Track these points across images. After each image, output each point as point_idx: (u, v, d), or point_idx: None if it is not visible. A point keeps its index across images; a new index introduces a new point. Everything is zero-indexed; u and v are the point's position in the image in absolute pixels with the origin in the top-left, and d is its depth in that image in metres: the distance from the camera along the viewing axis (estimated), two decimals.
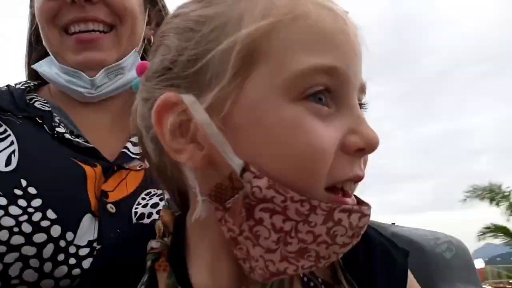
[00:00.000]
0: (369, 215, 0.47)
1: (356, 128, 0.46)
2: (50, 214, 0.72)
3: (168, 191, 0.59)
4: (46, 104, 0.89)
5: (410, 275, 0.64)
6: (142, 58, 0.97)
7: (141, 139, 0.55)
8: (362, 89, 0.50)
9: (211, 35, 0.47)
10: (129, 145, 0.90)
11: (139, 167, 0.89)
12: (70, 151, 0.83)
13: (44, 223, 0.71)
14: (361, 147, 0.46)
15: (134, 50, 0.94)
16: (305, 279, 0.52)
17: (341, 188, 0.47)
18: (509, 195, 13.43)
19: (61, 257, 0.71)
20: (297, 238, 0.45)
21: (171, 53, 0.49)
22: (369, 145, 0.46)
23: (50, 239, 0.71)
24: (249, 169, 0.44)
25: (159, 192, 0.84)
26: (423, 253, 0.88)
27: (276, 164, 0.44)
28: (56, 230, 0.72)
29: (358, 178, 0.48)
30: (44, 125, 0.84)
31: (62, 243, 0.72)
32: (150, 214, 0.81)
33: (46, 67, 0.93)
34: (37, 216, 0.71)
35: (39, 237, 0.70)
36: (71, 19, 0.88)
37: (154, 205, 0.82)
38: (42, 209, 0.72)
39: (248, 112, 0.45)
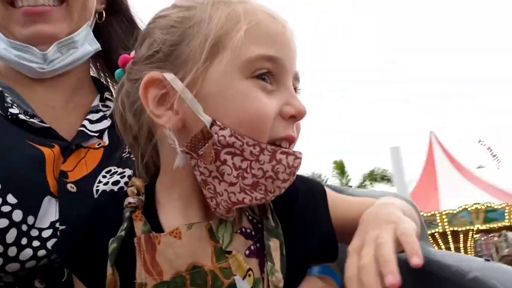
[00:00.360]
0: (301, 158, 0.64)
1: (290, 101, 0.66)
2: (11, 199, 0.73)
3: (140, 163, 0.73)
4: None
5: (330, 193, 0.78)
6: (94, 32, 0.96)
7: (121, 114, 0.71)
8: (296, 78, 0.70)
9: (189, 31, 0.65)
10: (86, 123, 0.91)
11: (98, 145, 0.89)
12: (26, 132, 0.82)
13: (5, 208, 0.72)
14: (293, 114, 0.65)
15: (86, 24, 0.92)
16: (250, 217, 0.69)
17: (279, 144, 0.65)
18: None
19: (24, 240, 0.73)
20: (251, 173, 0.62)
21: (155, 43, 0.67)
22: (299, 113, 0.66)
23: (12, 224, 0.72)
24: (216, 123, 0.62)
25: (120, 170, 0.86)
26: None
27: (234, 122, 0.62)
28: (17, 215, 0.73)
29: (291, 138, 0.66)
30: None
31: (24, 227, 0.73)
32: (112, 191, 0.82)
33: None
34: None
35: (1, 223, 0.71)
36: None
37: (115, 183, 0.84)
38: (1, 194, 0.73)
39: (214, 86, 0.63)
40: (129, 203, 0.67)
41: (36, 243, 0.74)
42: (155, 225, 0.66)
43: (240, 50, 0.63)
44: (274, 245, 0.66)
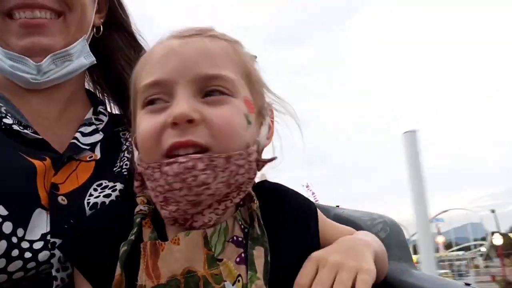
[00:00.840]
0: (184, 162, 0.65)
1: (171, 110, 0.68)
2: (2, 210, 0.73)
3: None
4: None
5: (321, 216, 0.84)
6: (91, 46, 0.97)
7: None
8: (207, 78, 0.70)
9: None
10: (78, 135, 0.91)
11: (89, 157, 0.90)
12: (18, 143, 0.82)
13: None
14: (171, 121, 0.67)
15: (82, 37, 0.93)
16: (242, 226, 0.74)
17: (176, 155, 0.67)
18: None
19: (15, 252, 0.72)
20: (158, 191, 0.68)
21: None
22: (174, 118, 0.66)
23: (2, 235, 0.72)
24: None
25: (111, 184, 0.87)
26: None
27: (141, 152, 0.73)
28: (7, 227, 0.72)
29: (178, 145, 0.67)
30: None
31: (14, 239, 0.73)
32: (103, 203, 0.83)
33: None
34: None
35: None
36: (16, 4, 0.85)
37: (107, 196, 0.84)
38: None
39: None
40: (140, 210, 0.73)
41: (28, 255, 0.74)
42: (161, 234, 0.72)
43: (138, 86, 0.74)
44: (258, 253, 0.71)
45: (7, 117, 0.84)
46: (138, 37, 1.05)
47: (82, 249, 0.73)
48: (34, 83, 0.88)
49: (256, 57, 0.82)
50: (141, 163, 0.71)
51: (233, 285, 0.68)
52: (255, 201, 0.76)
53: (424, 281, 0.81)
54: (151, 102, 0.71)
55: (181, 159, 0.65)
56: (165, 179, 0.66)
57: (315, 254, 0.72)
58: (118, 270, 0.67)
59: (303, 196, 0.83)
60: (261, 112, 0.78)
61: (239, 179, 0.70)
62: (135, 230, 0.70)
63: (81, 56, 0.93)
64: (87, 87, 1.07)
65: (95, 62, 0.96)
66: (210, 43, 0.73)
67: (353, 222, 0.97)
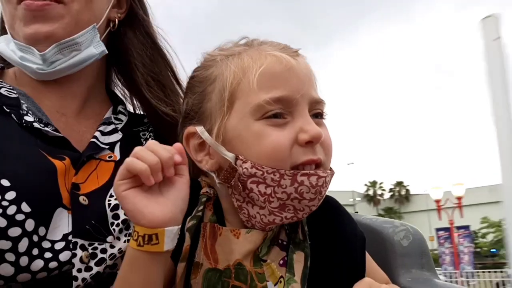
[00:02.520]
0: (324, 177, 0.71)
1: (305, 128, 0.72)
2: (25, 207, 0.71)
3: None
4: (12, 91, 0.86)
5: (368, 257, 0.84)
6: (109, 41, 0.95)
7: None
8: (316, 102, 0.75)
9: (208, 89, 0.77)
10: (97, 134, 0.89)
11: (109, 157, 0.88)
12: (40, 141, 0.81)
13: (19, 217, 0.70)
14: (308, 140, 0.71)
15: (92, 26, 0.89)
16: (287, 231, 0.76)
17: (302, 168, 0.71)
18: None
19: (35, 251, 0.71)
20: (276, 197, 0.70)
21: (188, 103, 0.81)
22: (313, 138, 0.71)
23: (25, 233, 0.70)
24: (239, 158, 0.72)
25: None
26: (382, 241, 0.94)
27: (254, 156, 0.71)
28: (29, 224, 0.71)
29: (312, 161, 0.71)
30: (12, 115, 0.81)
31: (35, 238, 0.72)
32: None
33: (4, 44, 0.89)
34: (11, 210, 0.70)
35: (15, 231, 0.70)
36: None
37: None
38: (16, 202, 0.71)
39: (234, 131, 0.73)
40: (206, 191, 0.77)
41: (48, 255, 0.73)
42: (220, 219, 0.76)
43: (250, 97, 0.73)
44: (298, 257, 0.74)
45: (28, 114, 0.83)
46: (156, 37, 1.03)
47: None
48: (41, 74, 0.86)
49: None
50: (256, 164, 0.71)
51: (275, 285, 0.71)
52: None
53: None
54: (274, 115, 0.72)
55: (321, 173, 0.71)
56: (297, 188, 0.69)
57: (368, 279, 0.72)
58: (187, 241, 0.71)
59: (356, 224, 0.84)
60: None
61: None
62: (200, 208, 0.74)
63: (91, 46, 0.90)
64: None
65: (106, 52, 0.92)
66: (308, 65, 0.78)
67: (374, 229, 0.96)
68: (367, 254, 0.83)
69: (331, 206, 0.82)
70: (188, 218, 0.72)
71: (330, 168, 0.75)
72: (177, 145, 0.66)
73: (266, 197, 0.71)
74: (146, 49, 0.99)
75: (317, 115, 0.76)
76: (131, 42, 0.99)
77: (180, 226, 0.64)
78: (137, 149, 0.64)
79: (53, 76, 0.88)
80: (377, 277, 0.83)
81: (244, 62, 0.75)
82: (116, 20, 0.97)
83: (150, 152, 0.63)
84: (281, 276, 0.72)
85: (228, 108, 0.74)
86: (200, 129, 0.76)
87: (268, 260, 0.72)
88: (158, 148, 0.64)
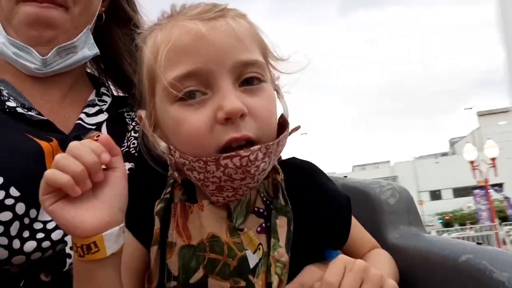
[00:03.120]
0: (246, 156, 0.64)
1: (221, 104, 0.65)
2: (13, 191, 0.74)
3: None
4: None
5: (354, 220, 0.84)
6: (93, 33, 0.97)
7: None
8: (244, 65, 0.67)
9: (140, 70, 0.75)
10: (83, 116, 0.92)
11: (97, 136, 0.90)
12: (24, 125, 0.82)
13: (9, 201, 0.73)
14: (224, 117, 0.64)
15: (86, 28, 0.93)
16: (264, 198, 0.75)
17: (234, 147, 0.66)
18: None
19: (26, 233, 0.74)
20: (210, 182, 0.68)
21: (136, 86, 0.78)
22: (229, 114, 0.64)
23: (16, 216, 0.73)
24: (170, 148, 0.70)
25: None
26: (370, 201, 0.95)
27: (179, 143, 0.69)
28: (20, 208, 0.74)
29: (236, 139, 0.65)
30: None
31: (26, 220, 0.74)
32: None
33: None
34: (0, 195, 0.73)
35: (5, 216, 0.72)
36: None
37: None
38: (4, 187, 0.73)
39: (160, 115, 0.72)
40: (172, 173, 0.75)
41: (40, 235, 0.75)
42: (191, 197, 0.75)
43: (163, 77, 0.67)
44: (281, 222, 0.73)
45: (10, 100, 0.85)
46: (141, 23, 1.04)
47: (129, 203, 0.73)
48: (37, 72, 0.90)
49: None
50: (182, 155, 0.68)
51: (253, 253, 0.70)
52: (280, 173, 0.78)
53: (434, 243, 0.81)
54: (188, 95, 0.66)
55: (242, 152, 0.65)
56: (224, 171, 0.65)
57: (342, 257, 0.67)
58: (157, 224, 0.70)
59: (335, 185, 0.83)
60: (276, 86, 0.77)
61: (279, 156, 0.73)
62: (168, 189, 0.74)
63: (85, 47, 0.94)
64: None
65: (99, 53, 0.96)
66: (236, 25, 0.68)
67: (361, 191, 0.98)
68: (353, 218, 0.83)
69: (309, 170, 0.82)
70: (157, 202, 0.72)
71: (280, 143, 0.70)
72: (104, 138, 0.62)
73: (202, 182, 0.69)
74: (131, 37, 1.01)
75: (250, 81, 0.68)
76: (115, 33, 1.02)
77: (123, 224, 0.62)
78: (58, 157, 0.59)
79: (47, 74, 0.91)
80: (363, 240, 0.85)
81: (157, 38, 0.70)
82: (103, 14, 1.00)
83: (73, 159, 0.58)
84: (260, 243, 0.71)
85: (151, 92, 0.72)
86: (143, 113, 0.74)
87: (245, 229, 0.71)
88: (82, 152, 0.59)
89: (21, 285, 0.75)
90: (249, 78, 0.68)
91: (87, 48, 0.95)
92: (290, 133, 0.74)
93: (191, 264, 0.69)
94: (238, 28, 0.68)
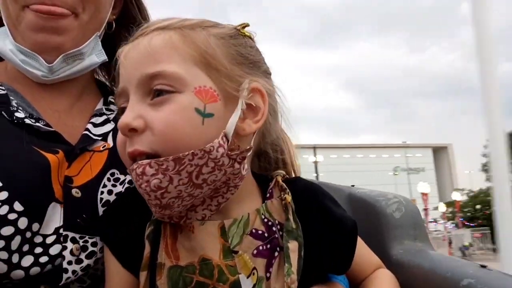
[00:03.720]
0: (135, 169, 0.65)
1: None
2: (17, 206, 0.74)
3: None
4: (1, 87, 0.88)
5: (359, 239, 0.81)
6: (103, 42, 0.97)
7: None
8: (150, 78, 0.67)
9: None
10: (90, 126, 0.92)
11: (103, 147, 0.90)
12: (32, 137, 0.82)
13: (11, 216, 0.73)
14: (121, 133, 0.68)
15: (95, 35, 0.92)
16: (265, 219, 0.73)
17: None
18: None
19: (26, 247, 0.74)
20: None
21: None
22: (120, 130, 0.68)
23: (17, 231, 0.73)
24: None
25: (122, 177, 0.88)
26: (376, 214, 0.94)
27: None
28: (23, 222, 0.74)
29: (130, 154, 0.67)
30: (2, 112, 0.83)
31: (28, 234, 0.75)
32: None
33: (0, 41, 0.89)
34: (4, 210, 0.73)
35: (7, 230, 0.73)
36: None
37: (119, 194, 0.85)
38: (8, 202, 0.74)
39: None
40: None
41: (38, 250, 0.76)
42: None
43: None
44: (293, 247, 0.70)
45: (19, 110, 0.85)
46: None
47: (113, 227, 0.76)
48: (44, 79, 0.90)
49: (238, 30, 0.76)
50: None
51: (247, 277, 0.68)
52: (289, 194, 0.76)
53: (438, 262, 0.80)
54: (121, 111, 0.72)
55: (134, 165, 0.65)
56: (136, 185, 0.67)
57: None
58: (147, 249, 0.69)
59: (344, 210, 0.81)
60: (230, 96, 0.70)
61: (210, 177, 0.66)
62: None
63: (93, 54, 0.93)
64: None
65: (107, 60, 0.95)
66: (153, 39, 0.69)
67: (367, 202, 0.96)
68: (359, 239, 0.81)
69: (315, 192, 0.80)
70: (148, 224, 0.71)
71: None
72: None
73: None
74: None
75: (160, 93, 0.67)
76: (123, 38, 1.01)
77: None
78: None
79: (54, 81, 0.91)
80: (367, 262, 0.83)
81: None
82: (113, 22, 0.99)
83: None
84: (254, 268, 0.69)
85: None
86: None
87: (239, 251, 0.69)
88: None
89: None
90: (158, 90, 0.67)
91: (95, 55, 0.94)
92: (235, 154, 0.67)
93: (179, 285, 0.68)
94: (154, 41, 0.69)
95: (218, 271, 0.68)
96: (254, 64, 0.74)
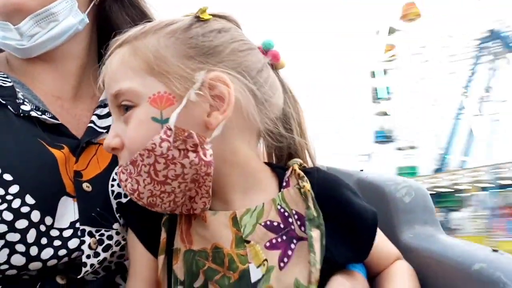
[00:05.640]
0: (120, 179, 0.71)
1: None
2: (29, 199, 0.75)
3: None
4: (6, 80, 0.87)
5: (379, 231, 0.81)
6: (96, 19, 0.95)
7: None
8: (115, 96, 0.71)
9: None
10: (94, 118, 0.91)
11: None
12: (38, 130, 0.82)
13: (24, 209, 0.74)
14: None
15: None
16: (281, 209, 0.73)
17: None
18: None
19: (44, 240, 0.76)
20: None
21: None
22: (105, 150, 0.74)
23: (31, 224, 0.75)
24: None
25: None
26: (384, 198, 0.93)
27: None
28: (35, 215, 0.75)
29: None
30: (9, 106, 0.83)
31: (43, 228, 0.76)
32: (126, 194, 0.80)
33: None
34: (16, 203, 0.74)
35: (22, 223, 0.74)
36: None
37: None
38: (20, 195, 0.75)
39: None
40: None
41: (57, 243, 0.77)
42: None
43: None
44: (316, 235, 0.70)
45: (25, 103, 0.85)
46: (144, 6, 1.01)
47: (137, 216, 0.78)
48: (22, 50, 0.87)
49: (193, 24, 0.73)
50: None
51: (257, 267, 0.69)
52: (307, 181, 0.75)
53: (449, 247, 0.80)
54: None
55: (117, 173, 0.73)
56: None
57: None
58: (163, 235, 0.74)
59: (363, 201, 0.79)
60: (184, 95, 0.68)
61: (169, 172, 0.66)
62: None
63: (70, 16, 0.89)
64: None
65: (87, 21, 0.92)
66: (112, 60, 0.73)
67: (377, 187, 0.96)
68: (378, 231, 0.79)
69: (334, 183, 0.78)
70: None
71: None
72: None
73: None
74: (135, 22, 0.96)
75: (127, 107, 0.70)
76: (118, 16, 0.98)
77: None
78: None
79: (36, 51, 0.89)
80: (386, 253, 0.83)
81: None
82: None
83: None
84: (265, 259, 0.69)
85: None
86: None
87: (251, 241, 0.70)
88: None
89: (37, 287, 0.77)
90: (124, 105, 0.70)
91: (72, 16, 0.89)
92: (181, 145, 0.66)
93: (193, 268, 0.71)
94: (114, 60, 0.73)
95: (228, 260, 0.69)
96: (214, 49, 0.71)
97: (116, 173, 0.86)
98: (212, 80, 0.68)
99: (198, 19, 0.73)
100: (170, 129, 0.65)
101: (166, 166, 0.66)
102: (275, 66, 0.80)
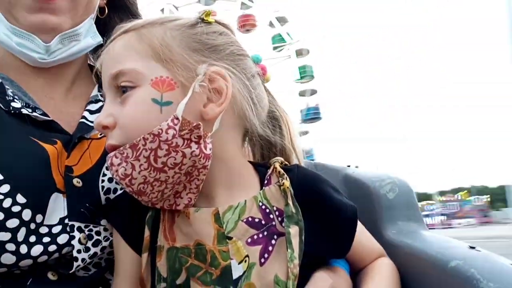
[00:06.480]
0: (107, 161, 0.72)
1: None
2: (20, 198, 0.76)
3: None
4: None
5: (360, 226, 0.83)
6: (96, 27, 0.97)
7: None
8: (114, 78, 0.73)
9: None
10: (86, 114, 0.93)
11: (100, 134, 0.91)
12: (29, 127, 0.83)
13: (15, 209, 0.75)
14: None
15: (89, 17, 0.94)
16: (262, 206, 0.75)
17: None
18: None
19: (32, 238, 0.76)
20: None
21: None
22: (95, 128, 0.76)
23: (22, 223, 0.75)
24: None
25: None
26: (369, 194, 0.95)
27: None
28: (26, 214, 0.76)
29: (107, 149, 0.73)
30: None
31: (33, 226, 0.77)
32: (115, 190, 0.86)
33: None
34: (7, 202, 0.75)
35: (12, 223, 0.75)
36: None
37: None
38: (11, 194, 0.75)
39: None
40: None
41: (46, 239, 0.78)
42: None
43: None
44: (294, 232, 0.72)
45: (15, 100, 0.86)
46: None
47: (120, 214, 0.81)
48: (41, 62, 0.90)
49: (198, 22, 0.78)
50: None
51: (239, 263, 0.71)
52: (287, 179, 0.77)
53: (429, 243, 0.82)
54: None
55: (107, 159, 0.73)
56: None
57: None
58: (146, 232, 0.75)
59: (343, 197, 0.81)
60: (188, 83, 0.72)
61: (169, 160, 0.69)
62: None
63: (88, 36, 0.95)
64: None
65: (102, 42, 0.95)
66: (116, 44, 0.76)
67: (362, 183, 0.97)
68: (360, 225, 0.82)
69: (314, 179, 0.81)
70: (149, 211, 0.76)
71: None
72: None
73: None
74: None
75: (124, 90, 0.72)
76: (116, 25, 1.01)
77: None
78: None
79: (50, 64, 0.92)
80: (368, 249, 0.85)
81: None
82: (106, 7, 1.00)
83: None
84: (247, 255, 0.71)
85: None
86: None
87: (233, 237, 0.72)
88: None
89: (28, 283, 0.78)
90: (122, 87, 0.73)
91: (90, 37, 0.95)
92: (187, 134, 0.69)
93: (176, 265, 0.72)
94: (117, 44, 0.76)
95: (211, 256, 0.71)
96: (216, 48, 0.76)
97: (106, 168, 0.87)
98: (213, 73, 0.73)
99: (202, 20, 0.78)
100: (177, 118, 0.69)
101: (168, 153, 0.68)
102: (261, 78, 0.85)
